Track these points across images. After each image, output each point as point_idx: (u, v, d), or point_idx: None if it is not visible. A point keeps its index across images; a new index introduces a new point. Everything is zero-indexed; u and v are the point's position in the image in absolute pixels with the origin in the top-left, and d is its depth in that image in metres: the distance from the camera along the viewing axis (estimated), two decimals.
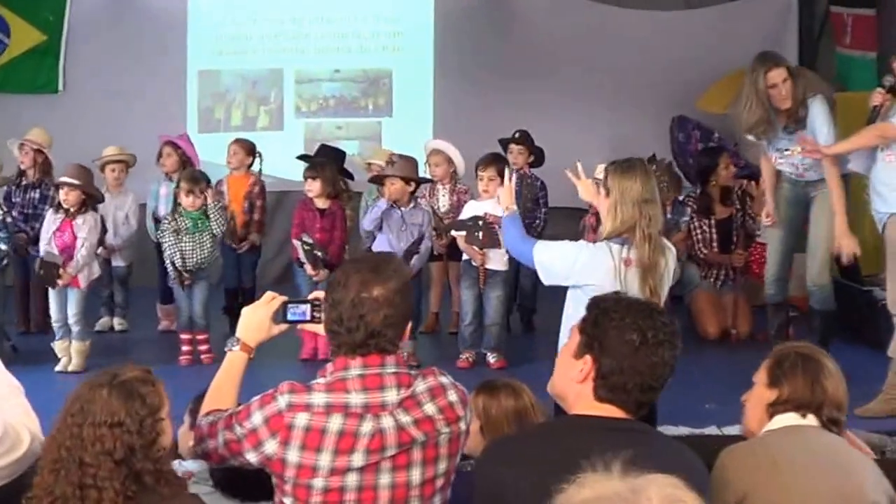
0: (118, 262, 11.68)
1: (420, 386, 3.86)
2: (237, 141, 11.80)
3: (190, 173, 10.59)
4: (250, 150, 11.65)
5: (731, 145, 12.47)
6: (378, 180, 10.65)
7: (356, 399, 3.76)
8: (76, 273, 10.09)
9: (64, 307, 10.10)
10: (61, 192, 10.15)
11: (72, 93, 14.45)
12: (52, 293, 10.18)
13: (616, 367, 3.51)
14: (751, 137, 9.01)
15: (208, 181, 10.53)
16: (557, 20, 14.51)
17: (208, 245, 10.25)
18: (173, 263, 10.24)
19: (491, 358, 10.05)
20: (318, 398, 3.77)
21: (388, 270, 3.88)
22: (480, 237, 9.82)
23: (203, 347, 10.34)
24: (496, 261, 10.01)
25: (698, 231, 11.22)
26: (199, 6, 14.68)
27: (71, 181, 10.13)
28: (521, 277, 11.09)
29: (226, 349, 4.34)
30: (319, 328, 4.19)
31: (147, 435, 3.65)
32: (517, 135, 11.67)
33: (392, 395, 3.79)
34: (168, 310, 11.67)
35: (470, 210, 10.19)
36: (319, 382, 3.83)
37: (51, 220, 10.25)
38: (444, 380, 3.96)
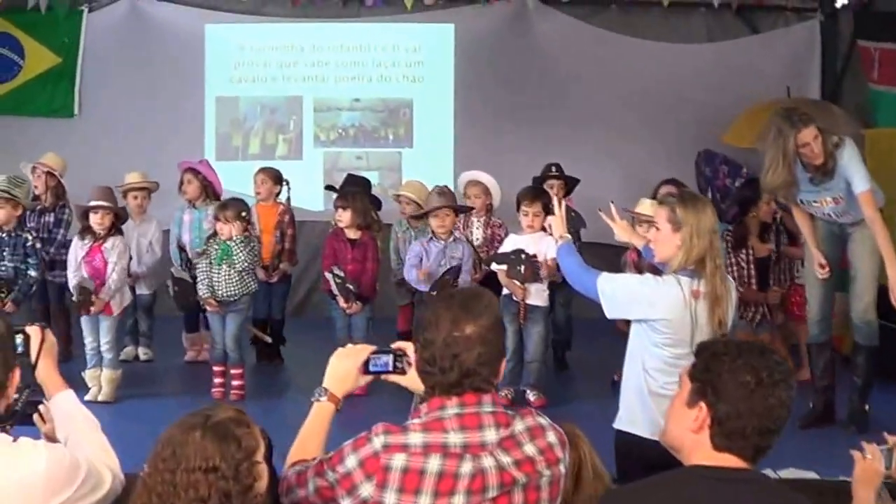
0: (142, 290, 11.47)
1: (519, 426, 3.74)
2: (264, 170, 11.66)
3: (224, 201, 10.42)
4: (278, 178, 11.53)
5: None
6: (422, 216, 10.49)
7: (455, 438, 3.64)
8: (109, 299, 9.91)
9: (97, 334, 9.87)
10: (93, 216, 9.94)
11: (87, 117, 14.24)
12: (84, 320, 10.01)
13: (732, 411, 3.37)
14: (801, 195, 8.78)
15: (247, 209, 10.31)
16: (580, 51, 14.38)
17: (237, 276, 10.01)
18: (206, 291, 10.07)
19: (531, 395, 9.91)
20: (415, 438, 3.64)
21: (479, 307, 3.75)
22: (522, 271, 9.72)
23: (235, 383, 10.16)
24: (537, 296, 9.89)
25: (734, 267, 10.67)
26: (217, 31, 14.47)
27: (105, 204, 9.98)
28: (555, 312, 10.88)
29: (312, 399, 4.18)
30: (401, 380, 4.16)
31: (243, 480, 3.49)
32: (553, 169, 11.61)
33: (491, 435, 3.67)
34: (194, 339, 11.55)
35: (511, 244, 10.06)
36: (415, 422, 3.72)
37: (78, 246, 10.06)
38: (543, 420, 3.84)
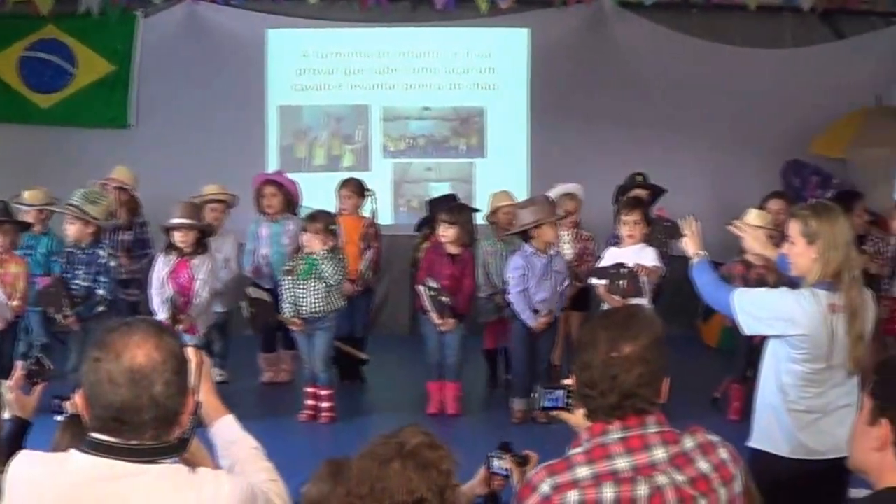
0: (217, 308, 10.85)
1: (689, 443, 3.64)
2: (348, 183, 11.23)
3: (312, 213, 9.95)
4: (362, 191, 11.14)
5: None
6: (525, 232, 9.85)
7: (623, 463, 3.53)
8: (197, 316, 9.63)
9: None
10: (177, 234, 9.62)
11: (143, 127, 13.85)
12: None
13: None
14: None
15: (335, 221, 9.95)
16: (659, 56, 14.02)
17: (324, 292, 9.53)
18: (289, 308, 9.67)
19: None
20: (583, 471, 3.51)
21: (637, 325, 3.65)
22: (624, 286, 9.43)
23: (325, 405, 9.75)
24: None
25: None
26: (280, 36, 14.07)
27: (187, 222, 9.65)
28: None
29: None
30: (571, 417, 4.14)
31: None
32: (639, 178, 11.34)
33: (660, 454, 3.57)
34: (271, 359, 11.17)
35: (611, 257, 9.75)
36: (577, 453, 3.59)
37: (162, 263, 9.72)
38: (713, 437, 3.73)
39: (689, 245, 6.43)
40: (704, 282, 6.13)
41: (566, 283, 9.92)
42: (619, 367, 3.56)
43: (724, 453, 3.68)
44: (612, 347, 3.58)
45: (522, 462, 4.31)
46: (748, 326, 5.73)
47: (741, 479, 3.71)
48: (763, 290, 6.04)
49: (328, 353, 9.78)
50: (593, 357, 3.60)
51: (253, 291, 10.12)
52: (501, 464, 4.31)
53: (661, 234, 10.23)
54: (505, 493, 4.28)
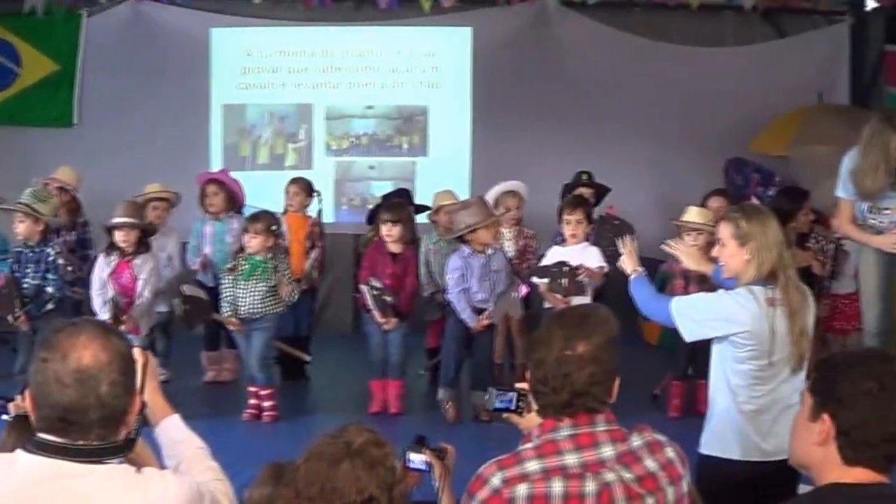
0: (159, 308, 10.79)
1: (636, 442, 3.73)
2: (296, 181, 11.24)
3: (254, 214, 9.94)
4: (310, 190, 11.15)
5: None
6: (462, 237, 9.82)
7: (571, 459, 3.62)
8: (140, 317, 9.61)
9: None
10: (117, 233, 9.61)
11: (87, 126, 13.78)
12: None
13: (857, 419, 3.28)
14: (864, 202, 8.51)
15: (278, 222, 9.96)
16: (603, 54, 14.04)
17: (262, 293, 9.53)
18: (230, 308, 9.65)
19: None
20: (533, 466, 3.60)
21: (592, 325, 3.72)
22: (565, 284, 9.44)
23: (267, 404, 9.68)
24: None
25: None
26: (224, 36, 14.02)
27: (129, 221, 9.65)
28: None
29: None
30: (522, 421, 4.18)
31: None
32: (584, 177, 11.39)
33: (608, 451, 3.66)
34: (214, 358, 11.12)
35: (554, 256, 9.76)
36: (527, 448, 3.69)
37: (103, 264, 9.70)
38: (660, 437, 3.82)
39: (627, 263, 6.60)
40: (643, 297, 6.28)
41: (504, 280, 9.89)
42: (572, 366, 3.64)
43: (670, 452, 3.76)
44: (566, 346, 3.66)
45: (441, 455, 4.33)
46: (690, 332, 5.78)
47: (688, 479, 3.79)
48: (700, 294, 6.22)
49: (265, 353, 9.71)
50: (547, 354, 3.68)
51: (187, 289, 10.01)
52: (419, 458, 4.31)
53: (610, 232, 10.24)
54: (424, 486, 4.30)
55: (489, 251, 9.71)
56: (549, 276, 9.50)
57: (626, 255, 6.63)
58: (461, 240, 9.68)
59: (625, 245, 6.69)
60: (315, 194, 11.15)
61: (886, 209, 8.40)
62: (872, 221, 8.51)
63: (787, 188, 11.67)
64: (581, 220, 9.74)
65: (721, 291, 5.79)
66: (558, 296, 9.44)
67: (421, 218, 11.14)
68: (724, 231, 5.72)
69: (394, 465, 3.48)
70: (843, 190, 8.54)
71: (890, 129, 8.06)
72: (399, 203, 10.61)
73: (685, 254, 6.85)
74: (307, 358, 10.82)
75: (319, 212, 11.22)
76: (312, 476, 3.37)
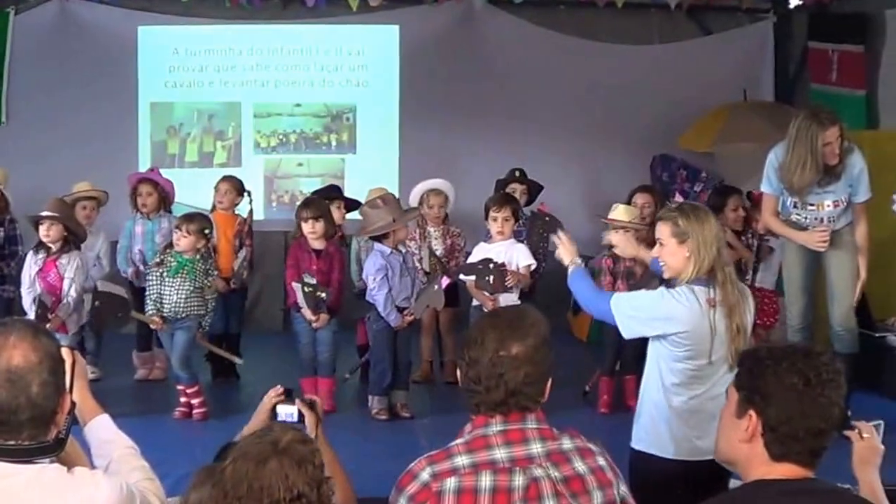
0: (89, 306, 10.73)
1: (567, 444, 3.79)
2: (227, 179, 11.22)
3: (189, 214, 9.93)
4: (241, 188, 11.13)
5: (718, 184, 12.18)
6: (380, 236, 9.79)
7: (501, 454, 3.68)
8: (66, 316, 9.47)
9: None
10: (41, 228, 9.55)
11: (15, 124, 13.60)
12: None
13: (783, 415, 3.34)
14: (790, 197, 8.64)
15: (210, 226, 9.95)
16: (529, 53, 14.08)
17: (186, 292, 9.51)
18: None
19: None
20: (462, 459, 3.66)
21: (526, 326, 3.78)
22: (491, 281, 9.45)
23: (195, 402, 9.63)
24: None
25: None
26: (150, 33, 13.92)
27: (50, 214, 9.57)
28: None
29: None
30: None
31: (326, 500, 3.42)
32: (517, 174, 11.37)
33: (537, 448, 3.72)
34: (145, 357, 11.06)
35: (480, 253, 9.77)
36: (458, 444, 3.75)
37: (31, 261, 9.62)
38: (593, 446, 3.87)
39: (564, 255, 6.51)
40: (582, 289, 6.22)
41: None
42: (506, 366, 3.70)
43: (601, 460, 3.82)
44: (501, 346, 3.71)
45: (311, 405, 4.47)
46: (629, 329, 5.79)
47: (623, 490, 3.83)
48: (641, 291, 6.17)
49: (187, 352, 9.65)
50: (481, 354, 3.74)
51: (102, 284, 9.97)
52: (286, 409, 4.45)
53: (541, 228, 10.28)
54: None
55: (402, 249, 9.73)
56: (476, 273, 9.51)
57: (561, 247, 6.57)
58: (376, 239, 9.65)
59: (560, 237, 6.64)
60: (246, 193, 11.12)
61: (811, 205, 8.52)
62: (797, 217, 8.64)
63: (718, 186, 11.86)
64: (508, 217, 9.72)
65: (661, 290, 5.79)
66: (486, 293, 9.47)
67: (352, 215, 11.12)
68: (663, 230, 5.74)
69: (322, 463, 3.47)
70: (767, 184, 8.64)
71: (817, 124, 8.12)
72: (316, 199, 10.51)
73: (621, 241, 6.94)
74: (239, 360, 10.77)
75: (250, 211, 11.19)
76: (240, 475, 3.36)
